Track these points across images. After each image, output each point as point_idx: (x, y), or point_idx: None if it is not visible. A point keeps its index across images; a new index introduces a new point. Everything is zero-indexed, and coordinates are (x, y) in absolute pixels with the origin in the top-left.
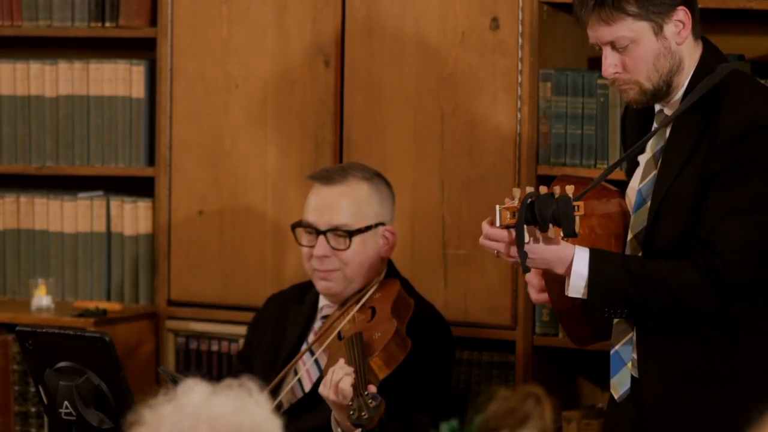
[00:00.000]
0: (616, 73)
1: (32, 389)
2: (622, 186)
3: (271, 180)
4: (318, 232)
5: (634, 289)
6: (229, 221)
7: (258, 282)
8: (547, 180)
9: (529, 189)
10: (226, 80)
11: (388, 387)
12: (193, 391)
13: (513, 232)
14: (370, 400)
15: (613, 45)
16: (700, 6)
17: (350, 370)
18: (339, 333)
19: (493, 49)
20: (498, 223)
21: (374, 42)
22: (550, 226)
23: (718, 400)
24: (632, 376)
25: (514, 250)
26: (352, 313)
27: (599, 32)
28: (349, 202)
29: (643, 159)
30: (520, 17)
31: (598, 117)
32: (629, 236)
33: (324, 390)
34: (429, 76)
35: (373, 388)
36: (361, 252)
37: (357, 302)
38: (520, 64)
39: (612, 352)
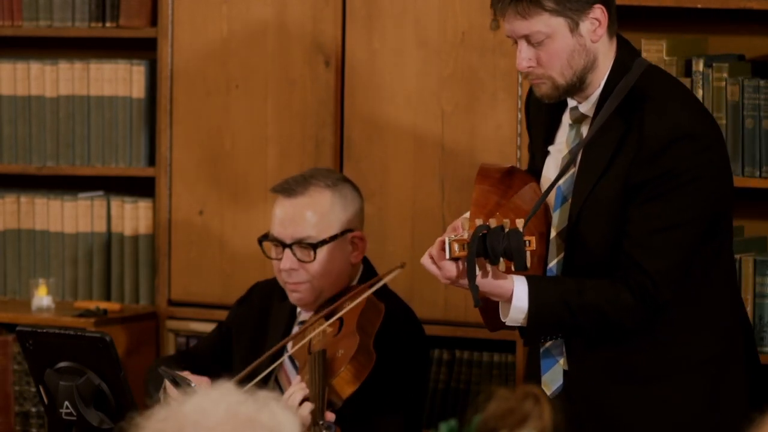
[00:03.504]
0: (529, 67)
1: (32, 389)
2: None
3: (271, 180)
4: (284, 246)
5: (571, 319)
6: (228, 221)
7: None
8: None
9: (479, 221)
10: (226, 80)
11: (360, 394)
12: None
13: (461, 264)
14: (324, 431)
15: (528, 39)
16: (700, 6)
17: (304, 393)
18: (309, 347)
19: (493, 49)
20: (448, 256)
21: (374, 42)
22: (501, 260)
23: (646, 397)
24: (564, 371)
25: (462, 282)
26: (321, 327)
27: (515, 26)
28: (312, 214)
29: (555, 150)
30: None
31: None
32: (552, 233)
33: None
34: (429, 76)
35: (330, 416)
36: (329, 262)
37: (326, 316)
38: None
39: (542, 349)
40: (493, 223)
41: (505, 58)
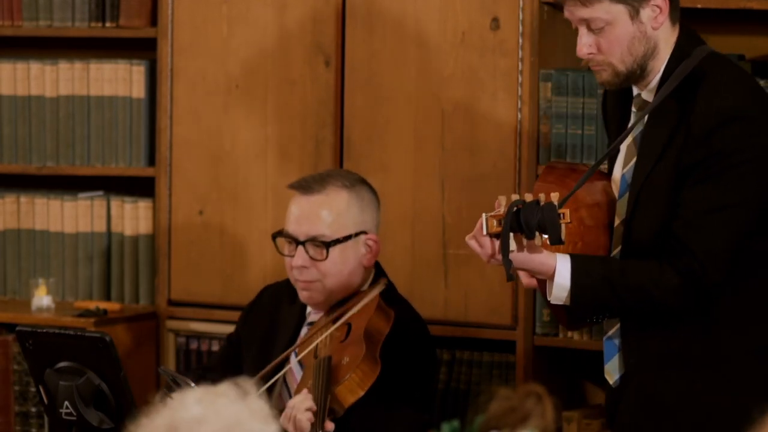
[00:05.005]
0: (590, 53)
1: (32, 389)
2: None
3: (271, 180)
4: (297, 243)
5: (615, 298)
6: (229, 221)
7: (258, 282)
8: None
9: (515, 196)
10: (226, 80)
11: (369, 406)
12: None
13: (499, 240)
14: None
15: (588, 25)
16: (700, 6)
17: (310, 404)
18: (316, 350)
19: (493, 49)
20: (485, 232)
21: (374, 42)
22: (536, 233)
23: (702, 384)
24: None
25: (499, 257)
26: (328, 332)
27: (576, 11)
28: (327, 212)
29: (623, 144)
30: (521, 17)
31: (598, 117)
32: (616, 222)
33: (283, 421)
34: (429, 76)
35: (329, 426)
36: (340, 262)
37: (334, 320)
38: (520, 64)
39: (605, 338)
40: (528, 197)
41: (505, 58)
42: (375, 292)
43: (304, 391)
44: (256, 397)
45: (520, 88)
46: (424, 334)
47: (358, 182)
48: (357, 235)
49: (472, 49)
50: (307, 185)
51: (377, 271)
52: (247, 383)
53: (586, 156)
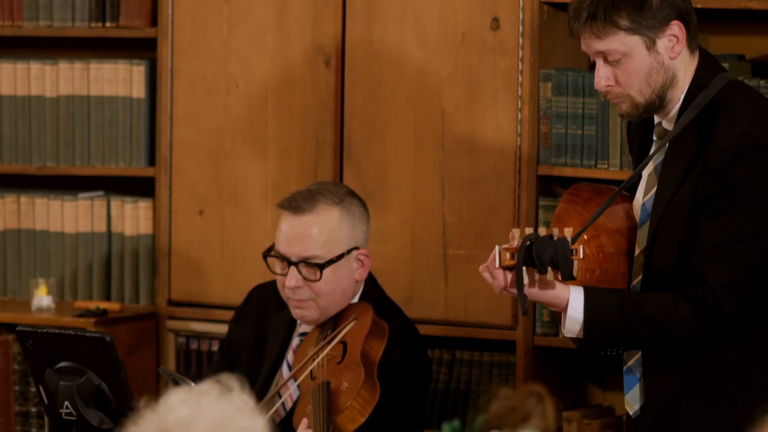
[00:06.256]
0: (608, 86)
1: (32, 389)
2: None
3: (271, 180)
4: (290, 263)
5: (628, 331)
6: (229, 221)
7: (258, 282)
8: (549, 180)
9: (529, 230)
10: (226, 80)
11: (366, 425)
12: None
13: (511, 273)
14: None
15: (605, 58)
16: (700, 6)
17: None
18: (311, 372)
19: (493, 49)
20: (497, 264)
21: (374, 42)
22: (549, 269)
23: (720, 416)
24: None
25: (512, 290)
26: (323, 354)
27: (591, 44)
28: (319, 231)
29: (645, 171)
30: (521, 17)
31: (598, 117)
32: (636, 251)
33: None
34: (429, 76)
35: None
36: (334, 281)
37: (326, 336)
38: (520, 64)
39: (625, 368)
40: (542, 231)
41: (505, 58)
42: (369, 311)
43: (303, 424)
44: (239, 393)
45: (520, 89)
46: (417, 344)
47: (347, 196)
48: (349, 252)
49: (472, 49)
50: (296, 204)
51: (369, 281)
52: (230, 379)
53: (586, 156)
